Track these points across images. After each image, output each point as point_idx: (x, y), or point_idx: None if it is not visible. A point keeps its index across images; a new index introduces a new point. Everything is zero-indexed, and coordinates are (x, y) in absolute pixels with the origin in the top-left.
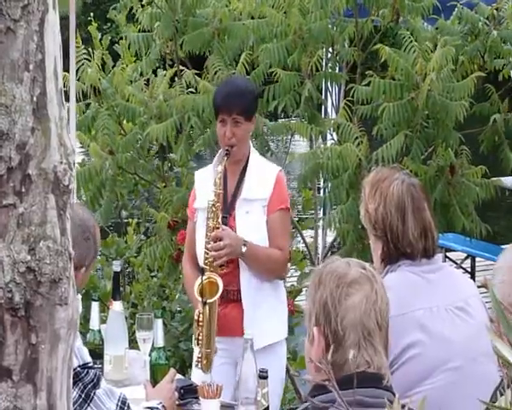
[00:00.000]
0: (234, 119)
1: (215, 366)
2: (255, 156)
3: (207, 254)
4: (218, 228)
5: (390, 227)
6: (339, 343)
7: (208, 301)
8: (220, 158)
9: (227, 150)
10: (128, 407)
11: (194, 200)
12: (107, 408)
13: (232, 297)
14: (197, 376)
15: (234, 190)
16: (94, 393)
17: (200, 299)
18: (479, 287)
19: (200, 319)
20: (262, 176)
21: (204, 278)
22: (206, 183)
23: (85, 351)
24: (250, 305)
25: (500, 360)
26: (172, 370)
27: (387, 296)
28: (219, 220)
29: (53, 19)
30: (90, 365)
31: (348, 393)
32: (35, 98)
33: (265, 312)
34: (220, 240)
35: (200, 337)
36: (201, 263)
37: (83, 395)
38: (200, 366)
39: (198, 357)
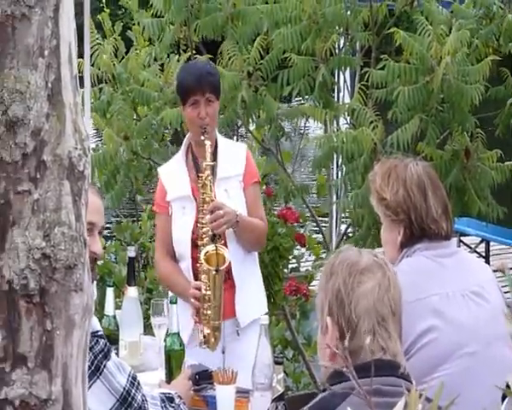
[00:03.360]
0: (207, 98)
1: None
2: (221, 137)
3: (202, 229)
4: (212, 200)
5: (414, 206)
6: (353, 331)
7: (221, 268)
8: (187, 145)
9: (204, 129)
10: (138, 383)
11: (166, 194)
12: (117, 382)
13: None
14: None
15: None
16: (104, 365)
17: (210, 268)
18: (494, 271)
19: (209, 292)
20: (233, 154)
21: (211, 248)
22: (175, 173)
23: (95, 320)
24: (240, 281)
25: None
26: (188, 370)
27: (400, 284)
28: (212, 193)
29: (68, 4)
30: (99, 333)
31: (366, 381)
32: (50, 84)
33: (252, 286)
34: (218, 209)
35: (208, 312)
36: (183, 251)
37: (92, 367)
38: (205, 345)
39: (206, 334)
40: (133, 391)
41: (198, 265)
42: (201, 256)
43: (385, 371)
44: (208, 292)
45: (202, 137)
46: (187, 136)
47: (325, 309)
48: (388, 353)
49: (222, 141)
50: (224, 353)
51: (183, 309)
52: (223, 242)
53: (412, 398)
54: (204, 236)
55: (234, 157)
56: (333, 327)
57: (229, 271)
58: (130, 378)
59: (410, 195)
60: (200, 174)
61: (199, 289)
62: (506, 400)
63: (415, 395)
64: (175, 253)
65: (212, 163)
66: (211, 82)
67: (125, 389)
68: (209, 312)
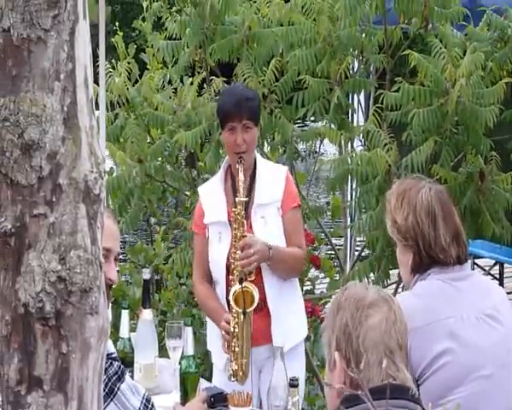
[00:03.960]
0: (244, 124)
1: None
2: (261, 160)
3: (234, 263)
4: (244, 236)
5: (422, 234)
6: (361, 363)
7: (248, 310)
8: (226, 168)
9: (240, 157)
10: (152, 405)
11: (203, 215)
12: (130, 404)
13: (258, 307)
14: (220, 383)
15: (246, 196)
16: (118, 388)
17: (238, 309)
18: (508, 293)
19: (237, 330)
20: (271, 178)
21: (238, 287)
22: (213, 196)
23: (109, 342)
24: (276, 310)
25: None
26: (203, 392)
27: (405, 318)
28: (245, 228)
29: (83, 28)
30: (114, 356)
31: (380, 403)
32: (65, 108)
33: (288, 314)
34: (249, 247)
35: (236, 349)
36: (220, 281)
37: (106, 389)
38: (234, 379)
39: (234, 370)
40: None
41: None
42: (230, 296)
43: (396, 394)
44: (236, 330)
45: (237, 166)
46: (226, 158)
47: (333, 344)
48: (398, 380)
49: (261, 164)
50: (260, 373)
51: (219, 336)
52: (253, 278)
53: None
54: (235, 271)
55: (272, 182)
56: (340, 362)
57: (264, 300)
58: (144, 401)
59: (419, 222)
60: (234, 209)
61: (228, 322)
62: None
63: None
64: (212, 275)
65: (245, 199)
66: (249, 108)
67: None
68: (237, 349)
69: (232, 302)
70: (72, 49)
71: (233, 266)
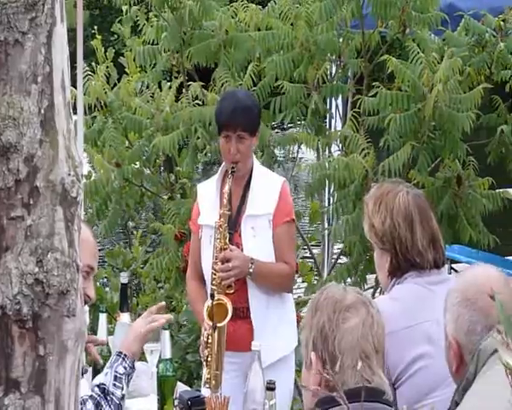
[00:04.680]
0: (239, 135)
1: (227, 379)
2: (258, 169)
3: (215, 274)
4: (225, 249)
5: (399, 238)
6: (336, 366)
7: (218, 325)
8: (223, 172)
9: (232, 168)
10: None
11: (199, 215)
12: None
13: (241, 315)
14: (207, 392)
15: (238, 205)
16: None
17: (210, 323)
18: None
19: (209, 341)
20: (266, 189)
21: (214, 300)
22: (209, 196)
23: (85, 384)
24: (259, 321)
25: (507, 371)
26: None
27: (383, 322)
28: (227, 241)
29: (61, 31)
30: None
31: (354, 406)
32: (43, 110)
33: (275, 326)
34: (228, 261)
35: (209, 359)
36: (208, 283)
37: None
38: (209, 386)
39: (207, 378)
40: None
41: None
42: (204, 309)
43: (371, 397)
44: (210, 340)
45: (228, 176)
46: (223, 163)
47: (309, 344)
48: (373, 384)
49: (257, 173)
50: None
51: None
52: (232, 291)
53: None
54: (214, 282)
55: (266, 194)
56: (316, 362)
57: (248, 308)
58: None
59: (396, 226)
60: (216, 221)
61: (206, 329)
62: None
63: None
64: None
65: (227, 213)
66: (245, 119)
67: None
68: (209, 359)
69: (205, 316)
70: (50, 52)
71: (213, 277)
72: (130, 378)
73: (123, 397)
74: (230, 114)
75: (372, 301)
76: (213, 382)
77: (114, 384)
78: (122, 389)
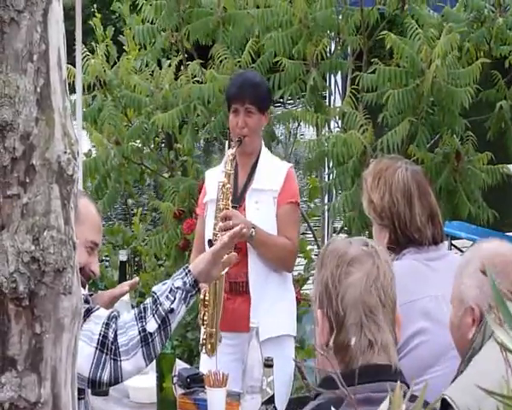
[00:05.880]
0: (247, 108)
1: (225, 361)
2: (266, 152)
3: (216, 235)
4: (227, 208)
5: (397, 214)
6: (341, 324)
7: None
8: (228, 157)
9: (239, 139)
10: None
11: (205, 196)
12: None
13: (240, 289)
14: (205, 363)
15: (245, 181)
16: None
17: None
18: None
19: (207, 298)
20: (273, 169)
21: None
22: (215, 178)
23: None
24: (258, 296)
25: (501, 348)
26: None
27: (392, 272)
28: (229, 202)
29: (56, 9)
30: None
31: (355, 389)
32: (39, 89)
33: (273, 303)
34: (229, 219)
35: (205, 317)
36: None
37: None
38: (204, 349)
39: (203, 339)
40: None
41: None
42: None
43: (375, 377)
44: (207, 297)
45: (232, 150)
46: (229, 150)
47: (316, 302)
48: (377, 346)
49: (265, 155)
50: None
51: None
52: (240, 256)
53: (396, 397)
54: (214, 242)
55: (273, 173)
56: (323, 320)
57: (246, 284)
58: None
59: (395, 202)
60: (220, 181)
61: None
62: None
63: (399, 394)
64: None
65: (231, 171)
66: (252, 93)
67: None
68: (206, 317)
69: None
70: (46, 30)
71: (214, 238)
72: (188, 296)
73: (171, 311)
74: (239, 87)
75: (380, 250)
76: (209, 345)
77: (167, 296)
78: (173, 302)
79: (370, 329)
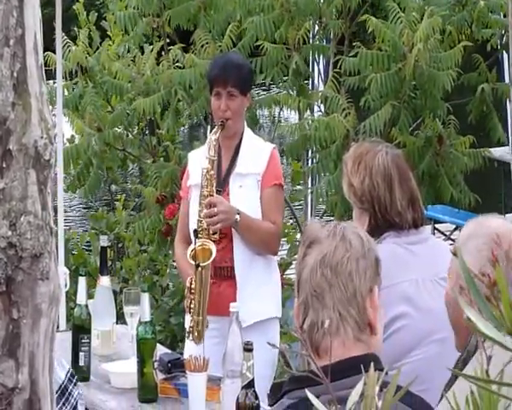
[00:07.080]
0: (229, 91)
1: (209, 345)
2: (249, 134)
3: (201, 222)
4: (212, 195)
5: (378, 198)
6: (305, 308)
7: (202, 264)
8: (212, 142)
9: (222, 123)
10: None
11: (188, 179)
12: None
13: (225, 274)
14: (189, 349)
15: (228, 165)
16: None
17: (193, 263)
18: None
19: (193, 286)
20: (256, 152)
21: (197, 244)
22: (198, 161)
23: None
24: (243, 280)
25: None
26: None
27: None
28: (213, 188)
29: None
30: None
31: (322, 388)
32: (15, 74)
33: (258, 287)
34: (214, 206)
35: (192, 305)
36: (192, 237)
37: None
38: (191, 337)
39: (190, 327)
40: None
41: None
42: (188, 252)
43: (348, 372)
44: (193, 285)
45: (215, 135)
46: (212, 133)
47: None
48: (322, 328)
49: (248, 137)
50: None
51: None
52: (218, 238)
53: (370, 379)
54: (200, 230)
55: (256, 155)
56: (297, 303)
57: (232, 267)
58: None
59: (375, 185)
60: (203, 167)
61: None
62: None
63: (373, 377)
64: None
65: (214, 158)
66: (235, 75)
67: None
68: (192, 305)
69: (189, 258)
70: (22, 14)
71: (199, 225)
72: None
73: None
74: (221, 69)
75: (347, 231)
76: (196, 333)
77: None
78: None
79: (314, 307)
